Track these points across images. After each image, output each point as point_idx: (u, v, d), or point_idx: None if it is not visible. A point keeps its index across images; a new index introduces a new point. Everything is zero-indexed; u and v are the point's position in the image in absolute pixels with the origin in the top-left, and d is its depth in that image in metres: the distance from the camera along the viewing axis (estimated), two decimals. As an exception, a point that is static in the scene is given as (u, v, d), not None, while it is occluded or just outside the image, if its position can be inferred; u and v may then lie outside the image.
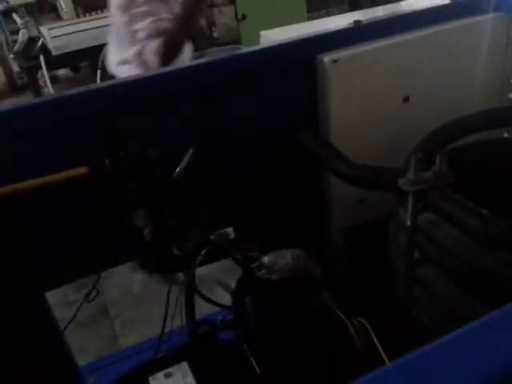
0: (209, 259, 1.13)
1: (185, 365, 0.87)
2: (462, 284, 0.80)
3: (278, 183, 1.26)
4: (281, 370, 0.85)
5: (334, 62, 1.10)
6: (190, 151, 0.99)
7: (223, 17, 5.72)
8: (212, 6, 6.13)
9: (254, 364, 0.83)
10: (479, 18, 1.27)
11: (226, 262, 1.17)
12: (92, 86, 1.00)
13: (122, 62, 1.83)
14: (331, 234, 1.37)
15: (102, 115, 0.97)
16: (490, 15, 1.28)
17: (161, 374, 0.85)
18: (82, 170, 0.94)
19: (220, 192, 1.19)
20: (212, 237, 1.10)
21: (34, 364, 1.06)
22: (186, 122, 1.03)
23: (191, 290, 1.05)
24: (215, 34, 5.29)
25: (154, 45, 1.69)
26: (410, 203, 0.79)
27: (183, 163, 0.98)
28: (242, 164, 1.16)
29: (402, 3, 1.68)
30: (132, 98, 0.98)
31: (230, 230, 1.24)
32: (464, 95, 1.25)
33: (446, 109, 1.15)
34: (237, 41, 5.53)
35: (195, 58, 1.31)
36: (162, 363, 0.89)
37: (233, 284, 1.24)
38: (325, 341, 0.98)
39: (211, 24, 4.92)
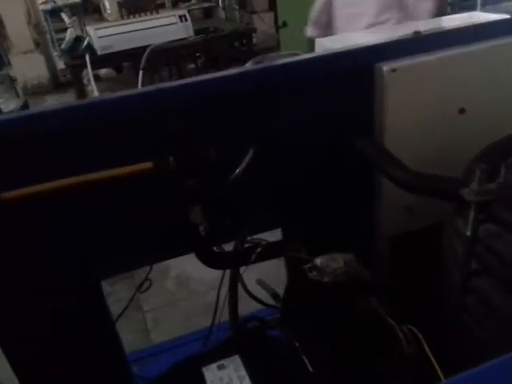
0: (260, 258, 1.17)
1: (237, 358, 0.89)
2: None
3: (328, 188, 1.28)
4: (331, 371, 0.87)
5: (393, 71, 1.11)
6: (250, 153, 1.02)
7: (263, 24, 5.79)
8: (253, 12, 6.23)
9: (307, 362, 0.85)
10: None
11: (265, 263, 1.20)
12: (159, 85, 1.04)
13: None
14: (378, 241, 1.38)
15: (165, 115, 1.01)
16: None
17: (214, 366, 0.88)
18: (147, 165, 0.98)
19: (270, 194, 1.22)
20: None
21: (87, 350, 1.10)
22: (246, 124, 1.06)
23: (236, 285, 1.09)
24: (254, 40, 5.36)
25: (427, 5, 1.78)
26: (471, 213, 0.80)
27: (243, 164, 1.01)
28: (294, 167, 1.18)
29: (458, 16, 1.68)
30: (197, 98, 1.02)
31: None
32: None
33: (503, 122, 1.15)
34: (275, 48, 5.58)
35: (255, 61, 1.35)
36: (213, 355, 0.92)
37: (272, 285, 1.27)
38: (374, 346, 0.99)
39: (252, 30, 5.00)
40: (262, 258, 1.15)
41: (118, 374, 1.22)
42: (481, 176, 0.78)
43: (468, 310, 0.90)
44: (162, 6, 5.76)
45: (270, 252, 1.16)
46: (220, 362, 0.88)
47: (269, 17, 5.98)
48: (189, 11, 4.67)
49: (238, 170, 1.01)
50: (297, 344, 0.90)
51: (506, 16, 1.31)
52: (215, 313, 1.05)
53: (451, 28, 1.25)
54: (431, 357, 0.91)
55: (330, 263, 0.99)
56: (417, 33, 1.17)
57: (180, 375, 0.90)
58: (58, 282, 1.08)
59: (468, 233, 0.82)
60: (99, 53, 4.06)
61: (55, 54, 6.39)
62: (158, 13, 4.54)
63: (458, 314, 0.93)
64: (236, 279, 1.12)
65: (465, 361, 0.98)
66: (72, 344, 1.10)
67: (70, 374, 1.09)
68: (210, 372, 0.87)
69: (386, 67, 1.11)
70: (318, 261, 0.99)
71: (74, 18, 5.26)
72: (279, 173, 1.17)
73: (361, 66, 1.13)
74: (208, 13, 6.17)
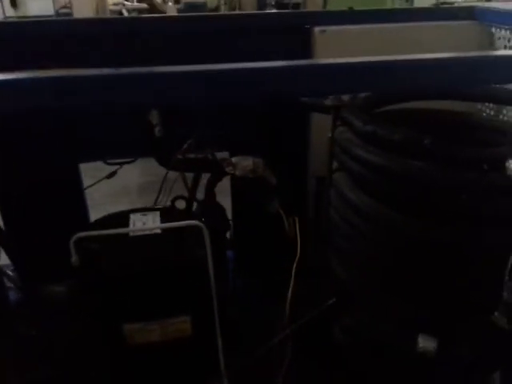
0: (200, 168, 1.49)
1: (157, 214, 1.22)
2: (364, 188, 1.09)
3: (268, 130, 1.58)
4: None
5: (323, 32, 1.43)
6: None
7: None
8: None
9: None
10: (456, 23, 1.54)
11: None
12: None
13: None
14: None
15: None
16: (466, 22, 1.55)
17: (139, 213, 1.22)
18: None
19: (220, 120, 1.52)
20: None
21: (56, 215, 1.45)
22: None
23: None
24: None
25: None
26: (331, 118, 1.11)
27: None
28: (239, 107, 1.48)
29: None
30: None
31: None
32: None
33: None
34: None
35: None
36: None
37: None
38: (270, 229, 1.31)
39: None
40: (202, 168, 1.48)
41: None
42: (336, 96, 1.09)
43: (331, 202, 1.20)
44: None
45: (206, 165, 1.48)
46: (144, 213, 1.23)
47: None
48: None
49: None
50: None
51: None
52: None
53: (380, 9, 1.56)
54: (298, 237, 1.22)
55: (241, 161, 1.31)
56: (350, 8, 1.48)
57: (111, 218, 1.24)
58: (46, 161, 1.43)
59: (329, 135, 1.13)
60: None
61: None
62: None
63: (327, 208, 1.23)
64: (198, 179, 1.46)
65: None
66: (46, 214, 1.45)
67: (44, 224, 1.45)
68: (135, 216, 1.21)
69: (317, 29, 1.43)
70: (233, 159, 1.31)
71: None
72: (227, 108, 1.48)
73: (297, 27, 1.45)
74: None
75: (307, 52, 1.49)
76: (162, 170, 1.51)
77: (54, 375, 1.16)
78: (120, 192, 3.24)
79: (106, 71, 0.76)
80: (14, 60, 1.30)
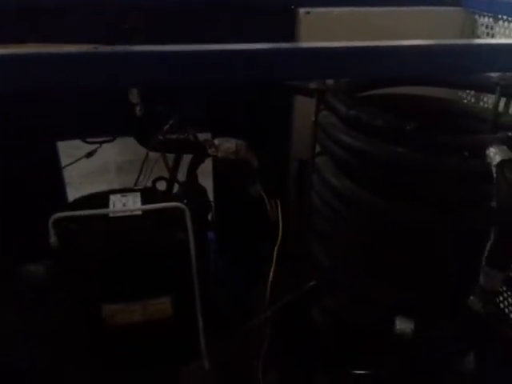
0: (182, 150, 1.47)
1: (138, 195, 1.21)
2: (346, 172, 1.10)
3: (252, 112, 1.57)
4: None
5: (307, 13, 1.41)
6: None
7: None
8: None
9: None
10: (441, 8, 1.55)
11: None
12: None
13: None
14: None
15: None
16: (451, 8, 1.56)
17: (119, 194, 1.20)
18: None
19: (202, 100, 1.51)
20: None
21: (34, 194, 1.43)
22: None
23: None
24: None
25: None
26: (315, 102, 1.10)
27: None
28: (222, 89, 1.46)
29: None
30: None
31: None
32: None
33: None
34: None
35: None
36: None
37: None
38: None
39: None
40: (183, 149, 1.46)
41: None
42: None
43: (314, 186, 1.20)
44: None
45: (188, 146, 1.46)
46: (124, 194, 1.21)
47: None
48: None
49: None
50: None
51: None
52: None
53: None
54: (280, 220, 1.22)
55: (224, 143, 1.30)
56: (335, -11, 1.47)
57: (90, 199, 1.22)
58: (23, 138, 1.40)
59: (312, 118, 1.12)
60: None
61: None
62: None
63: (310, 191, 1.23)
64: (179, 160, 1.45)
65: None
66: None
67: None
68: (115, 197, 1.19)
69: (302, 10, 1.41)
70: (216, 141, 1.30)
71: None
72: (210, 88, 1.46)
73: (283, 7, 1.43)
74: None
75: (291, 33, 1.47)
76: (142, 150, 1.49)
77: (33, 356, 1.16)
78: (98, 171, 3.20)
79: (83, 49, 0.74)
80: None
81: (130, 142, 1.44)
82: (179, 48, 0.75)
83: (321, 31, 1.45)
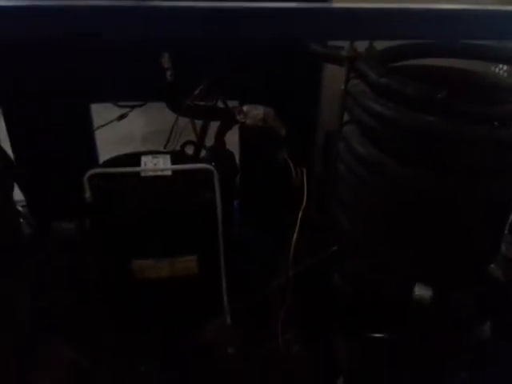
0: (211, 116, 1.50)
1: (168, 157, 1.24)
2: (374, 141, 1.11)
3: (280, 82, 1.57)
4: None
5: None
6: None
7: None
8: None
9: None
10: None
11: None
12: None
13: None
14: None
15: None
16: None
17: (150, 156, 1.24)
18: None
19: (230, 66, 1.51)
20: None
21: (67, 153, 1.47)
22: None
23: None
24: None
25: None
26: (345, 70, 1.11)
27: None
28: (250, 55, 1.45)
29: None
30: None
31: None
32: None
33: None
34: None
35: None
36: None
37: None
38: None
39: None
40: (212, 116, 1.48)
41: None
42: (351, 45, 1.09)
43: (340, 155, 1.22)
44: None
45: (217, 112, 1.49)
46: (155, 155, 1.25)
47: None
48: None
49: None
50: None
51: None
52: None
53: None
54: (305, 187, 1.25)
55: (252, 110, 1.32)
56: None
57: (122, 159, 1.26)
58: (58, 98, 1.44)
59: (342, 87, 1.13)
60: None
61: None
62: None
63: (335, 162, 1.25)
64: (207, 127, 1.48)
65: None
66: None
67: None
68: (146, 158, 1.23)
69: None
70: (245, 107, 1.33)
71: None
72: (239, 56, 1.46)
73: None
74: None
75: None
76: (167, 121, 1.53)
77: (63, 304, 1.22)
78: (124, 141, 3.25)
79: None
80: None
81: (156, 113, 1.47)
82: (207, 5, 0.75)
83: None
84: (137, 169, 1.16)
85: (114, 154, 1.32)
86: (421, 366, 1.11)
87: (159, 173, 1.19)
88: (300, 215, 1.24)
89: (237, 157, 1.60)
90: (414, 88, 1.01)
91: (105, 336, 1.27)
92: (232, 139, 1.60)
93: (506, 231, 0.90)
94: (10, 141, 1.53)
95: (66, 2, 0.74)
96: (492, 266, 0.93)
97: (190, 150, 1.43)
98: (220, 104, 1.43)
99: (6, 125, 1.51)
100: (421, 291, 1.08)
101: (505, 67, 1.50)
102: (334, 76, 1.38)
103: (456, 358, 1.10)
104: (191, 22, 0.77)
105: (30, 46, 1.26)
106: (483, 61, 1.35)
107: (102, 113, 1.68)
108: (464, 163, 0.98)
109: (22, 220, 1.45)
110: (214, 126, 1.52)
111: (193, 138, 1.55)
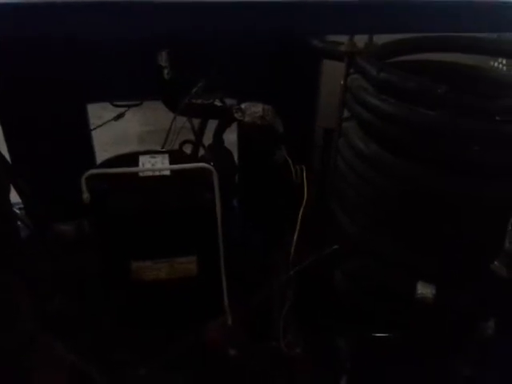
0: (208, 115, 1.48)
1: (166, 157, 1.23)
2: (374, 136, 1.10)
3: (277, 78, 1.56)
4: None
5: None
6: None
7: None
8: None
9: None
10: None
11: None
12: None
13: None
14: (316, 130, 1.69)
15: None
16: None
17: (148, 156, 1.22)
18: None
19: (228, 64, 1.50)
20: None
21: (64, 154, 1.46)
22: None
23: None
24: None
25: None
26: (344, 66, 1.10)
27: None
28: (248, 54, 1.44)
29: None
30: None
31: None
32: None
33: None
34: None
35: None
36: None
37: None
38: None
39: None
40: (210, 114, 1.47)
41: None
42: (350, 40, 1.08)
43: (339, 151, 1.21)
44: None
45: (215, 110, 1.47)
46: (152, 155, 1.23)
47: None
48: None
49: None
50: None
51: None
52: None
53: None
54: (305, 184, 1.23)
55: (251, 107, 1.30)
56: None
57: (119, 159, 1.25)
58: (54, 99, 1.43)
59: (341, 82, 1.12)
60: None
61: None
62: None
63: (335, 159, 1.24)
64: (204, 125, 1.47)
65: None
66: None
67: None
68: (144, 157, 1.21)
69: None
70: (243, 105, 1.31)
71: None
72: (237, 53, 1.45)
73: None
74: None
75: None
76: (163, 121, 1.51)
77: (62, 306, 1.21)
78: (120, 141, 3.24)
79: None
80: None
81: (151, 113, 1.46)
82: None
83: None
84: (135, 169, 1.15)
85: (110, 154, 1.31)
86: (424, 365, 1.10)
87: (157, 173, 1.18)
88: (301, 212, 1.23)
89: (235, 155, 1.60)
90: (415, 83, 1.00)
91: (105, 337, 1.26)
92: (230, 137, 1.59)
93: (509, 227, 0.89)
94: (6, 142, 1.52)
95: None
96: (495, 262, 0.92)
97: (188, 150, 1.42)
98: (218, 102, 1.42)
99: (2, 126, 1.50)
100: (423, 289, 1.06)
101: (504, 61, 1.49)
102: (333, 71, 1.37)
103: (459, 356, 1.09)
104: (188, 16, 0.75)
105: (25, 45, 1.25)
106: (483, 55, 1.35)
107: (98, 113, 1.67)
108: (465, 158, 0.97)
109: (19, 223, 1.43)
110: (212, 124, 1.51)
111: (191, 137, 1.53)
